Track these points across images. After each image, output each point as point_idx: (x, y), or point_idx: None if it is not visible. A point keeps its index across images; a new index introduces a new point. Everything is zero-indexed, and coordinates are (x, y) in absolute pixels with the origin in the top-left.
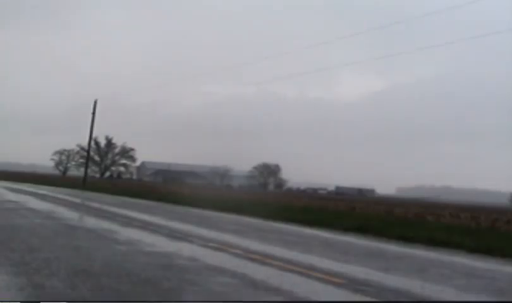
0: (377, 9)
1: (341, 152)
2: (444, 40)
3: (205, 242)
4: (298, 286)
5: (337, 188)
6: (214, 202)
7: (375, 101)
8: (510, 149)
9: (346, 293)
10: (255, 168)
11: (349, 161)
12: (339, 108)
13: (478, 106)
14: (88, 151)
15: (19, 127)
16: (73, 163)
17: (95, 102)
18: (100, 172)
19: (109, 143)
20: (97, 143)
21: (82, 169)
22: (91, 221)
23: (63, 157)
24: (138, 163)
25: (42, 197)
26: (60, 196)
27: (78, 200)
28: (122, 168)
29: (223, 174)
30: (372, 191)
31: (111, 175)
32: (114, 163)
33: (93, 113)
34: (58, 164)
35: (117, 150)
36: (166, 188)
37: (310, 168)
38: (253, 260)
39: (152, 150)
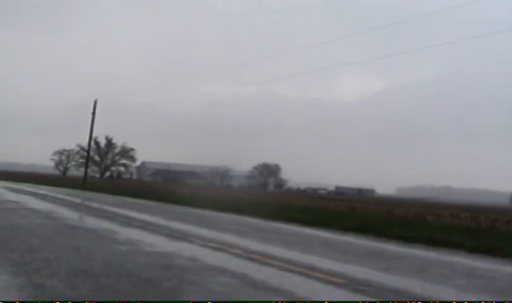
0: (377, 9)
1: (341, 152)
2: (444, 40)
3: (205, 242)
4: (298, 286)
5: (337, 188)
6: (214, 202)
7: (375, 101)
8: (510, 149)
9: (346, 293)
10: (255, 168)
11: (349, 161)
12: (339, 108)
13: (478, 106)
14: (88, 151)
15: (19, 127)
16: (73, 163)
17: (95, 102)
18: (100, 172)
19: (109, 143)
20: (97, 143)
21: (82, 169)
22: (91, 221)
23: (63, 157)
24: (138, 163)
25: (42, 197)
26: (60, 195)
27: (78, 200)
28: (122, 168)
29: (223, 174)
30: (372, 191)
31: (111, 175)
32: (114, 163)
33: (93, 113)
34: (58, 164)
35: (117, 150)
36: (166, 188)
37: (310, 168)
38: (253, 260)
39: (152, 150)
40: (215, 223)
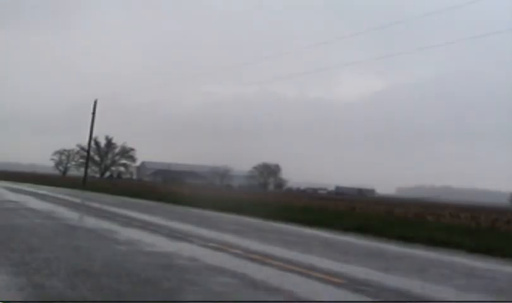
0: (377, 9)
1: (341, 152)
2: (444, 40)
3: (205, 242)
4: (298, 286)
5: (337, 188)
6: (214, 202)
7: (375, 101)
8: (510, 149)
9: (346, 293)
10: (255, 168)
11: (349, 161)
12: (339, 108)
13: (478, 106)
14: (88, 151)
15: (19, 127)
16: (73, 163)
17: (95, 102)
18: (100, 172)
19: (109, 143)
20: (97, 143)
21: (82, 169)
22: (91, 221)
23: (63, 157)
24: (138, 163)
25: (42, 197)
26: (60, 195)
27: (78, 200)
28: (122, 168)
29: (223, 174)
30: (372, 191)
31: (111, 175)
32: (114, 163)
33: (93, 113)
34: (58, 164)
35: (117, 150)
36: (166, 188)
37: (310, 168)
38: (253, 260)
39: (152, 150)
40: (215, 223)
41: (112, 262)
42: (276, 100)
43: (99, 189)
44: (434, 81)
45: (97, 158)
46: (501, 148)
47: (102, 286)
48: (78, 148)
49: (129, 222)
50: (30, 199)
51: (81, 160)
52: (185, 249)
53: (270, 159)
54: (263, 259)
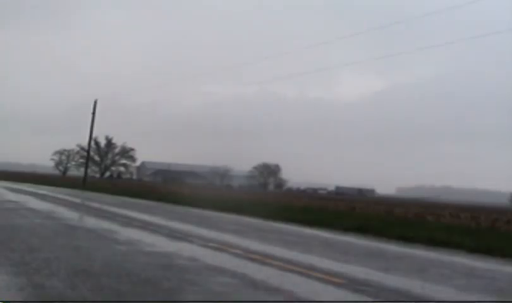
0: (377, 9)
1: (341, 152)
2: (444, 40)
3: (205, 242)
4: (298, 286)
5: (337, 188)
6: (214, 202)
7: (375, 101)
8: (510, 149)
9: (346, 293)
10: (255, 168)
11: (349, 161)
12: (339, 108)
13: (478, 106)
14: (88, 151)
15: (19, 127)
16: (73, 163)
17: (95, 102)
18: (100, 172)
19: (109, 143)
20: (97, 143)
21: (82, 169)
22: (91, 221)
23: (63, 157)
24: (138, 163)
25: (42, 197)
26: (60, 195)
27: (78, 200)
28: (122, 168)
29: (223, 174)
30: (372, 191)
31: (111, 175)
32: (114, 163)
33: (93, 113)
34: (58, 164)
35: (117, 150)
36: (166, 188)
37: (310, 168)
38: (253, 260)
39: (152, 150)
40: (215, 223)
41: (112, 262)
42: (276, 100)
43: (99, 189)
44: (434, 81)
45: (97, 158)
46: (501, 148)
47: (102, 286)
48: (78, 148)
49: (129, 222)
50: (29, 199)
51: (81, 160)
52: (185, 249)
53: (270, 159)
54: (263, 259)
